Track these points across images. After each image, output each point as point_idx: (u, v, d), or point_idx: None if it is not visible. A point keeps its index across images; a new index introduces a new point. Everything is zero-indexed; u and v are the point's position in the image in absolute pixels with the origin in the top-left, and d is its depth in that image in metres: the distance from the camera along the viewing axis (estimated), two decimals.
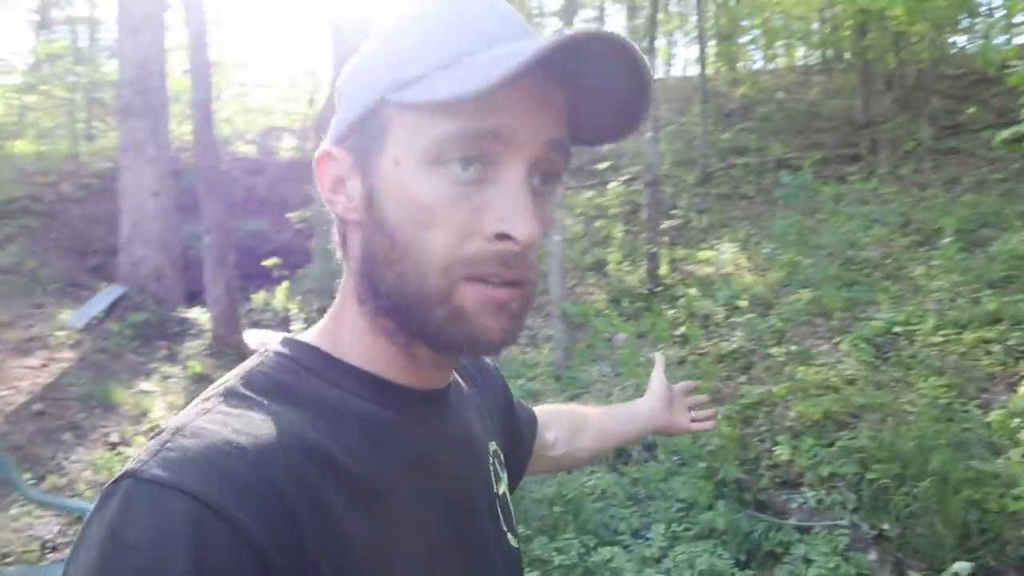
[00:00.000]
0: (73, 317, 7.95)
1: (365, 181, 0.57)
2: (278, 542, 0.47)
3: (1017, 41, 10.47)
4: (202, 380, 7.05)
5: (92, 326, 7.87)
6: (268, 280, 11.47)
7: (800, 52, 17.35)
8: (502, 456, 0.75)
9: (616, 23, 24.97)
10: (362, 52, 0.60)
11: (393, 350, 0.60)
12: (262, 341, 9.41)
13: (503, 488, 0.72)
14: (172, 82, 13.00)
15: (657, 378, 1.18)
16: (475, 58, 0.51)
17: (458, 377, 0.71)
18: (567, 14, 8.40)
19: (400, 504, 0.57)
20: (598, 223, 11.61)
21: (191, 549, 0.44)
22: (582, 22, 21.92)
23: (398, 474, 0.57)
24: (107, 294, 8.69)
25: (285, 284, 11.17)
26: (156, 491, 0.46)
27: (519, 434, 0.88)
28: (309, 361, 0.59)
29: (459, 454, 0.66)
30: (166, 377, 6.86)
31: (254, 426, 0.51)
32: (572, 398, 5.76)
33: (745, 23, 14.34)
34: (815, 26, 14.48)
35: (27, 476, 4.52)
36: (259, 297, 11.34)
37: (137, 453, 0.51)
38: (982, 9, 10.56)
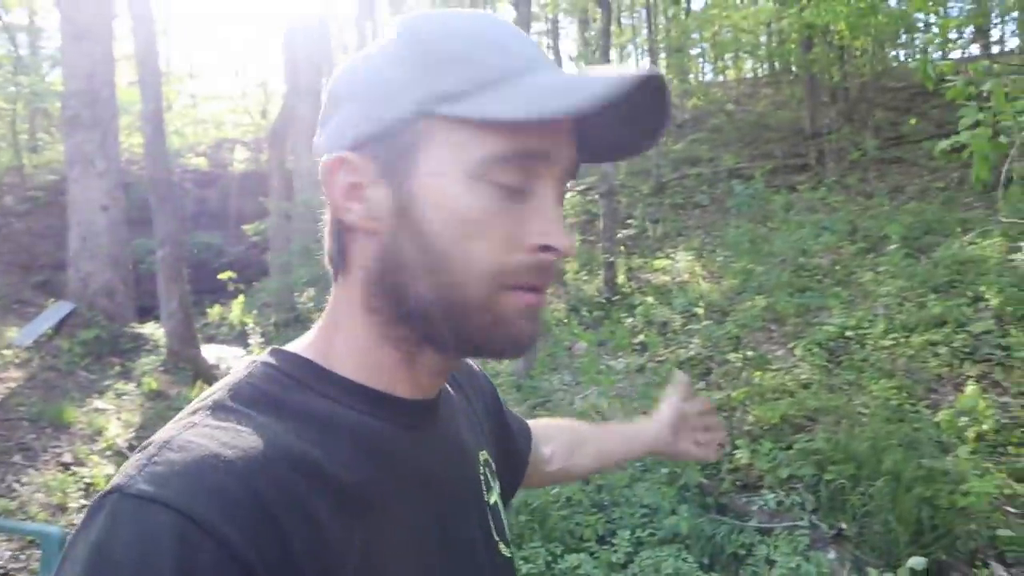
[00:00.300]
0: (20, 335, 7.69)
1: (397, 190, 0.56)
2: (265, 556, 0.47)
3: (953, 56, 10.92)
4: (158, 397, 6.88)
5: (41, 344, 7.62)
6: (223, 294, 11.28)
7: (748, 65, 17.82)
8: (493, 465, 0.75)
9: (569, 35, 25.24)
10: (370, 58, 0.59)
11: (395, 359, 0.60)
12: (219, 356, 9.22)
13: (494, 497, 0.72)
14: (121, 93, 12.72)
15: (669, 402, 1.10)
16: (525, 82, 0.54)
17: (447, 386, 0.71)
18: (520, 25, 8.48)
19: (390, 514, 0.56)
20: None
21: (177, 565, 0.44)
22: (537, 34, 22.11)
23: (388, 484, 0.57)
24: (56, 310, 8.43)
25: (241, 298, 10.99)
26: (142, 506, 0.46)
27: (512, 442, 0.88)
28: (298, 372, 0.59)
29: (449, 463, 0.65)
30: (120, 394, 6.68)
31: (242, 439, 0.51)
32: (534, 407, 5.79)
33: (695, 36, 14.67)
34: (763, 39, 14.90)
35: None
36: (215, 311, 11.14)
37: (124, 467, 0.50)
38: (920, 25, 11.00)
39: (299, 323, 9.40)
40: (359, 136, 0.57)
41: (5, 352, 7.12)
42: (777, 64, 15.37)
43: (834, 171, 10.44)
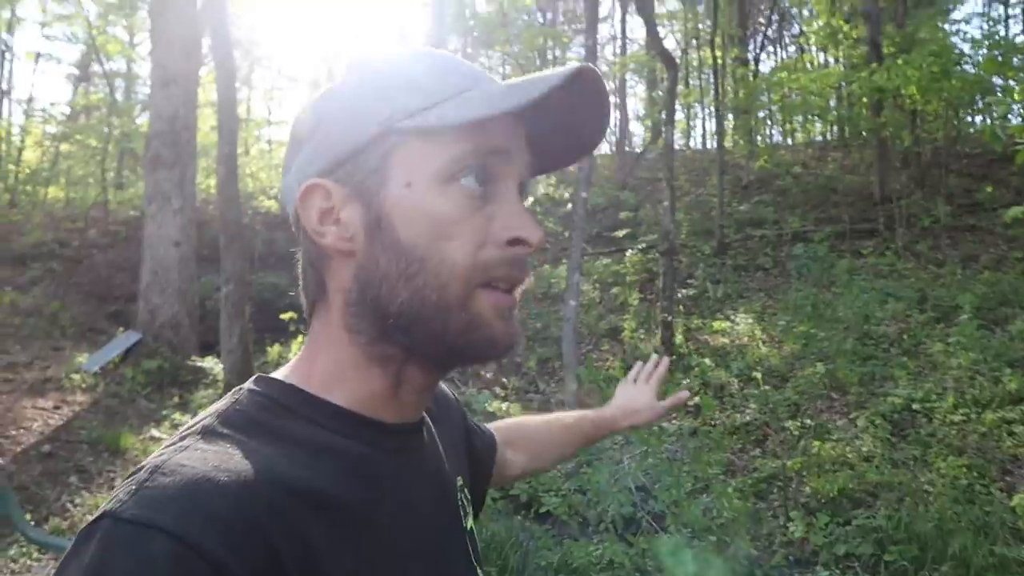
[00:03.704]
0: (89, 361, 8.00)
1: (368, 208, 0.58)
2: None
3: None
4: None
5: (107, 371, 7.91)
6: (284, 334, 11.53)
7: (817, 127, 17.62)
8: (467, 490, 0.76)
9: (636, 94, 25.51)
10: (325, 98, 0.62)
11: (380, 381, 0.61)
12: None
13: (470, 523, 0.73)
14: (201, 136, 13.39)
15: (620, 388, 1.22)
16: (475, 92, 0.58)
17: (425, 413, 0.71)
18: None
19: (379, 538, 0.57)
20: (614, 290, 11.64)
21: None
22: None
23: (375, 508, 0.58)
24: (124, 340, 8.76)
25: (300, 338, 11.21)
26: (136, 531, 0.46)
27: (479, 462, 0.89)
28: (284, 398, 0.60)
29: (431, 488, 0.66)
30: (176, 424, 6.84)
31: (233, 463, 0.51)
32: (581, 465, 5.67)
33: (763, 98, 14.62)
34: (832, 103, 14.75)
35: (29, 517, 4.49)
36: (274, 350, 11.38)
37: (115, 492, 0.50)
38: (998, 89, 10.71)
39: None
40: (326, 164, 0.59)
41: (74, 377, 7.41)
42: (847, 128, 15.16)
43: (904, 237, 10.13)
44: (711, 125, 20.17)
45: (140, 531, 0.46)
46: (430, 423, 0.72)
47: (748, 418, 6.46)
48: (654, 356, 1.26)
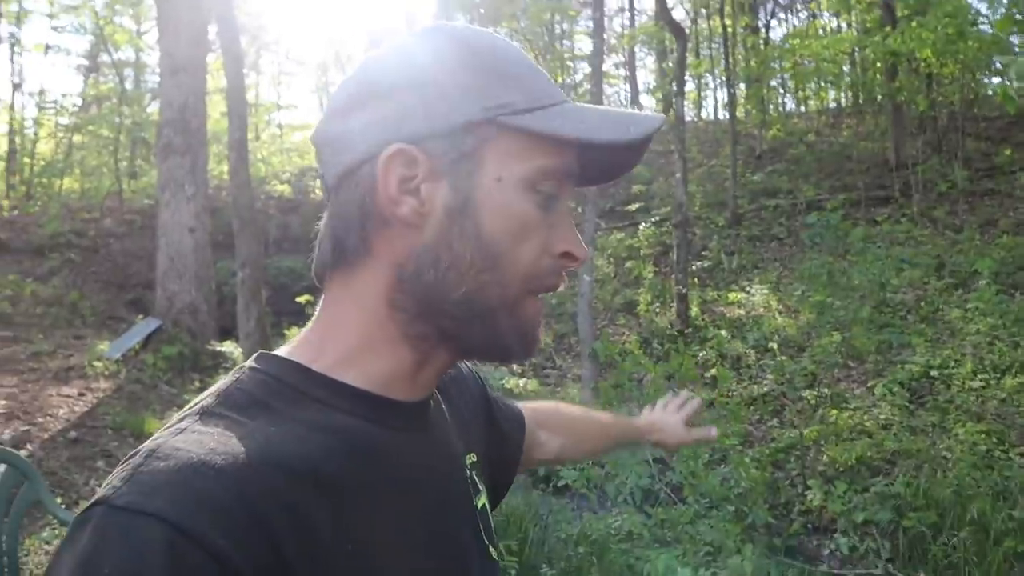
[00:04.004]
0: (111, 348, 8.12)
1: (455, 190, 0.57)
2: (256, 563, 0.46)
3: None
4: None
5: (129, 357, 8.02)
6: (301, 317, 11.62)
7: (831, 94, 17.37)
8: (481, 467, 0.74)
9: (646, 65, 25.24)
10: (417, 56, 0.60)
11: (406, 359, 0.60)
12: None
13: (482, 500, 0.71)
14: (212, 123, 13.42)
15: (649, 409, 1.22)
16: (570, 108, 0.60)
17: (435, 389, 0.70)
18: (595, 57, 8.53)
19: (381, 517, 0.56)
20: (629, 264, 11.61)
21: None
22: (614, 66, 22.22)
23: (379, 487, 0.57)
24: (143, 326, 8.87)
25: None
26: (129, 518, 0.45)
27: (504, 440, 0.87)
28: (287, 376, 0.58)
29: (439, 466, 0.65)
30: None
31: (231, 445, 0.50)
32: None
33: (775, 66, 14.40)
34: (846, 68, 14.53)
35: (59, 501, 4.59)
36: (292, 333, 11.46)
37: (110, 478, 0.49)
38: (1015, 49, 10.49)
39: None
40: (418, 132, 0.57)
41: (97, 364, 7.52)
42: (861, 94, 14.93)
43: (920, 203, 10.02)
44: (722, 95, 19.93)
45: (134, 518, 0.45)
46: (439, 399, 0.71)
47: (765, 389, 6.47)
48: (685, 393, 1.27)
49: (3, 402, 6.25)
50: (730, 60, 14.89)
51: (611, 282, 11.17)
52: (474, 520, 0.68)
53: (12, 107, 17.90)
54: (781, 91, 17.61)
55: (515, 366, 9.69)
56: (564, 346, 9.85)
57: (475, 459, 0.73)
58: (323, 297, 0.63)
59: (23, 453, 4.80)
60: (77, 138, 18.15)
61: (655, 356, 7.75)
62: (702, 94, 21.58)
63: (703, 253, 11.10)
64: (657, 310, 9.78)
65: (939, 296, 7.26)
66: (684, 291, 8.82)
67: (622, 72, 23.32)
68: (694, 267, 10.34)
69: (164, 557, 0.43)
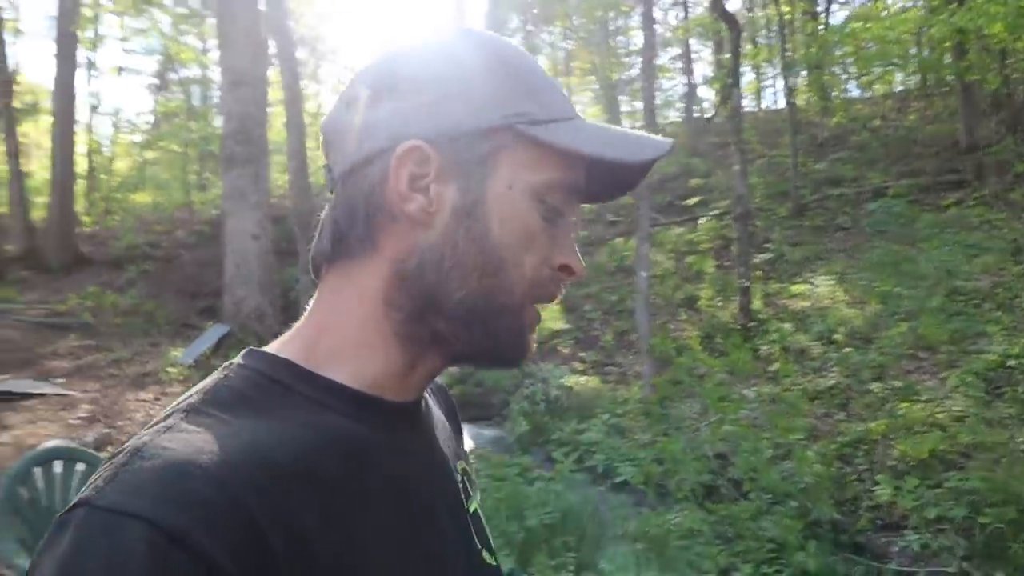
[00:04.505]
0: (184, 354, 8.46)
1: (465, 192, 0.58)
2: (242, 564, 0.45)
3: None
4: None
5: (201, 362, 8.34)
6: None
7: (897, 77, 16.72)
8: (470, 473, 0.73)
9: (702, 57, 24.82)
10: (438, 55, 0.60)
11: (396, 359, 0.60)
12: None
13: (474, 505, 0.70)
14: (273, 133, 13.81)
15: None
16: (581, 123, 0.61)
17: (425, 394, 0.69)
18: (648, 49, 8.45)
19: (370, 517, 0.55)
20: (689, 259, 11.45)
21: None
22: (670, 60, 21.90)
23: (368, 487, 0.56)
24: (213, 332, 9.21)
25: None
26: (112, 520, 0.44)
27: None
28: (276, 373, 0.57)
29: (429, 469, 0.64)
30: None
31: (217, 444, 0.49)
32: (660, 434, 5.65)
33: (837, 52, 13.95)
34: (912, 50, 13.97)
35: None
36: None
37: (93, 478, 0.48)
38: None
39: None
40: (434, 131, 0.57)
41: (171, 370, 7.85)
42: (928, 76, 14.33)
43: (995, 186, 9.56)
44: (782, 84, 19.44)
45: (116, 519, 0.44)
46: (429, 405, 0.70)
47: (831, 382, 6.28)
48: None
49: (87, 406, 6.59)
50: (787, 48, 14.51)
51: (672, 277, 11.03)
52: (466, 524, 0.66)
53: (91, 128, 18.84)
54: (844, 76, 17.05)
55: (577, 364, 9.69)
56: (624, 343, 9.78)
57: (464, 466, 0.72)
58: (319, 290, 0.63)
59: (103, 455, 5.05)
60: (149, 154, 18.97)
61: (717, 351, 7.61)
62: (761, 84, 21.08)
63: (765, 245, 10.85)
64: (719, 304, 9.62)
65: (1017, 282, 6.92)
66: (746, 284, 8.64)
67: (679, 65, 23.00)
68: (756, 260, 10.12)
69: (147, 559, 0.42)
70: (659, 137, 0.61)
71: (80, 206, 17.28)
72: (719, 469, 4.69)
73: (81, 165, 19.18)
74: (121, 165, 19.89)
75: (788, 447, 4.84)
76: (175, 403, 0.55)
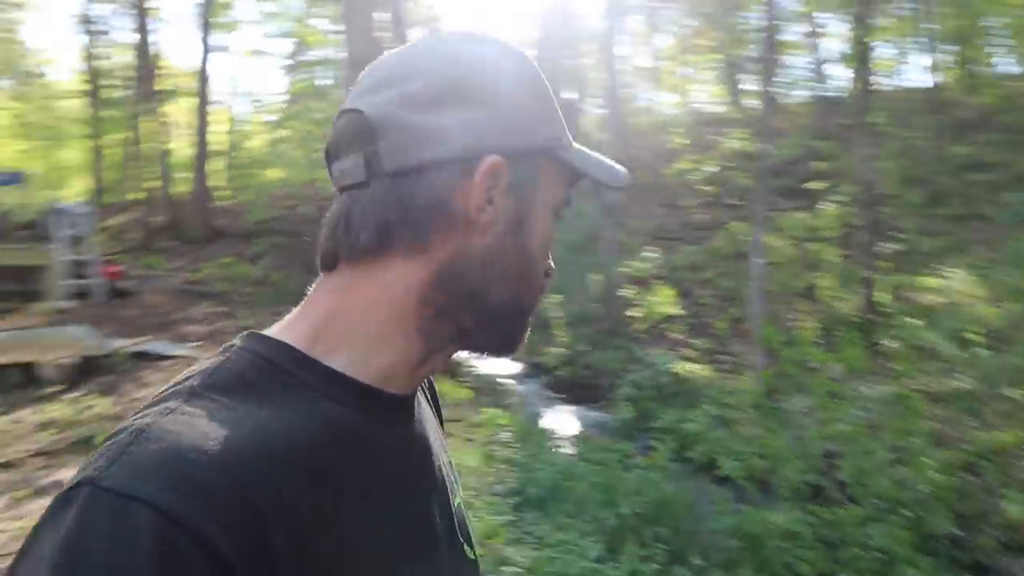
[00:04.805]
0: None
1: (518, 207, 0.62)
2: (245, 551, 0.45)
3: None
4: None
5: None
6: None
7: None
8: (454, 466, 0.75)
9: (833, 34, 23.41)
10: (496, 67, 0.62)
11: (415, 352, 0.61)
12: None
13: (458, 499, 0.72)
14: None
15: None
16: (580, 147, 0.68)
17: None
18: (771, 31, 8.05)
19: (365, 508, 0.56)
20: (810, 246, 10.91)
21: (155, 566, 0.42)
22: (797, 35, 20.78)
23: (364, 477, 0.57)
24: None
25: None
26: (117, 502, 0.44)
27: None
28: (280, 360, 0.57)
29: (421, 461, 0.66)
30: None
31: (222, 430, 0.49)
32: (768, 431, 5.44)
33: (988, 23, 12.76)
34: None
35: None
36: None
37: (94, 456, 0.48)
38: None
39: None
40: (510, 147, 0.61)
41: None
42: None
43: None
44: (922, 60, 18.01)
45: (122, 502, 0.44)
46: (421, 398, 0.71)
47: (961, 385, 5.83)
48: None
49: None
50: (931, 20, 13.42)
51: (791, 265, 10.55)
52: (451, 517, 0.68)
53: (230, 109, 20.10)
54: (994, 50, 15.59)
55: (686, 350, 9.48)
56: (738, 331, 9.47)
57: (449, 459, 0.74)
58: (327, 280, 0.62)
59: None
60: (280, 132, 20.03)
61: (835, 345, 7.23)
62: (900, 60, 19.63)
63: (894, 234, 10.17)
64: (841, 295, 9.12)
65: None
66: (870, 275, 8.15)
67: (811, 41, 21.77)
68: (884, 250, 9.50)
69: (152, 543, 0.43)
70: (618, 167, 0.69)
71: (218, 182, 18.53)
72: (827, 469, 4.47)
73: (222, 143, 20.54)
74: (256, 143, 21.13)
75: (906, 451, 4.54)
76: (173, 383, 0.55)
